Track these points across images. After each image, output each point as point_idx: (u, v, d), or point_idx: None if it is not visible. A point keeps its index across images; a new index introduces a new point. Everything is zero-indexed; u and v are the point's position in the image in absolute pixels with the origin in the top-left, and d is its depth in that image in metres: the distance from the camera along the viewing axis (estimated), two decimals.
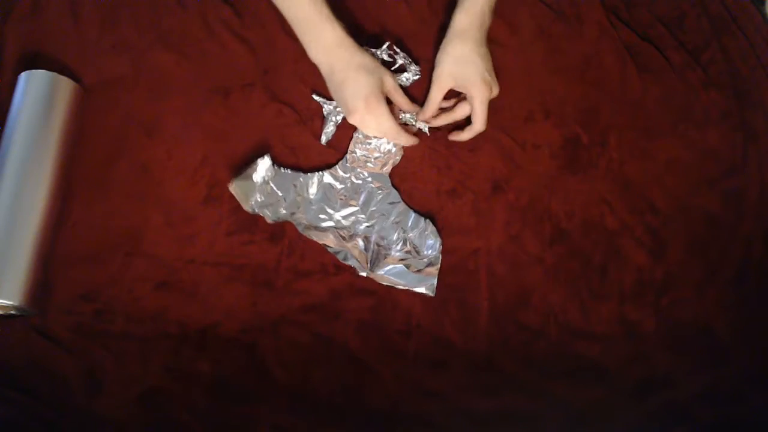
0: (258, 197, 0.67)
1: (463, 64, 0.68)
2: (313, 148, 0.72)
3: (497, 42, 0.77)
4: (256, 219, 0.68)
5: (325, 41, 0.66)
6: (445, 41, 0.69)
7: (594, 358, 0.65)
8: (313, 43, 0.67)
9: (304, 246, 0.67)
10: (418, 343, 0.64)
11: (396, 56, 0.74)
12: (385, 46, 0.73)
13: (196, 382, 0.62)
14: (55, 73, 0.68)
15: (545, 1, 0.80)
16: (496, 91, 0.70)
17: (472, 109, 0.69)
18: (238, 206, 0.68)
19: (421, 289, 0.65)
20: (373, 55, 0.72)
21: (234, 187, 0.66)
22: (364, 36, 0.76)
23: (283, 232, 0.67)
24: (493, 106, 0.74)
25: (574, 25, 0.80)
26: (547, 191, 0.71)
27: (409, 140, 0.69)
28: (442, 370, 0.64)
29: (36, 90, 0.67)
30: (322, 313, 0.65)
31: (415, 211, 0.69)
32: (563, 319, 0.66)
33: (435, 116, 0.72)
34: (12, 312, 0.62)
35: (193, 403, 0.61)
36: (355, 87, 0.66)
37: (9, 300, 0.60)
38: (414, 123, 0.73)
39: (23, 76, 0.68)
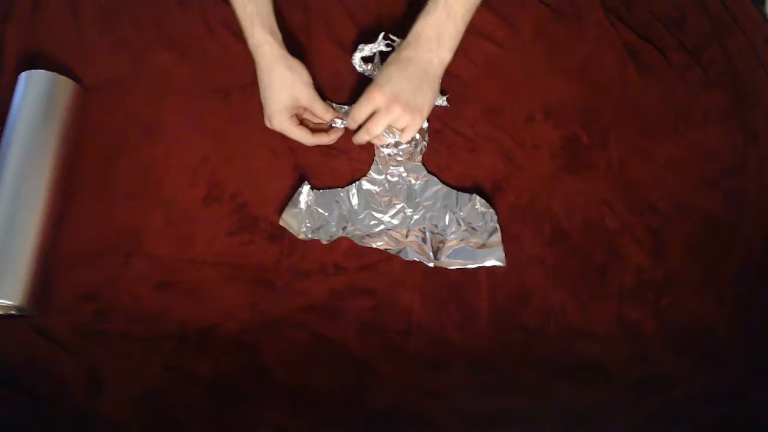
0: (307, 223, 0.67)
1: (395, 84, 0.64)
2: (314, 147, 0.71)
3: (497, 42, 0.77)
4: (256, 219, 0.68)
5: (251, 39, 0.67)
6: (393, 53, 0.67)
7: (594, 358, 0.65)
8: (246, 38, 0.68)
9: (304, 246, 0.67)
10: (418, 343, 0.64)
11: (394, 44, 0.73)
12: (380, 37, 0.73)
13: (196, 382, 0.62)
14: (55, 73, 0.68)
15: (545, 1, 0.80)
16: (418, 123, 0.66)
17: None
18: (238, 206, 0.68)
19: (492, 262, 0.66)
20: (371, 57, 0.73)
21: (284, 221, 0.67)
22: (362, 32, 0.76)
23: (283, 232, 0.67)
24: (493, 106, 0.74)
25: (574, 25, 0.80)
26: (547, 191, 0.71)
27: (323, 141, 0.70)
28: (442, 370, 0.64)
29: (36, 90, 0.67)
30: (322, 313, 0.65)
31: (458, 190, 0.69)
32: (563, 319, 0.66)
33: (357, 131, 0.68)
34: (12, 312, 0.61)
35: (193, 403, 0.61)
36: (269, 98, 0.67)
37: (9, 300, 0.60)
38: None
39: (23, 76, 0.68)
